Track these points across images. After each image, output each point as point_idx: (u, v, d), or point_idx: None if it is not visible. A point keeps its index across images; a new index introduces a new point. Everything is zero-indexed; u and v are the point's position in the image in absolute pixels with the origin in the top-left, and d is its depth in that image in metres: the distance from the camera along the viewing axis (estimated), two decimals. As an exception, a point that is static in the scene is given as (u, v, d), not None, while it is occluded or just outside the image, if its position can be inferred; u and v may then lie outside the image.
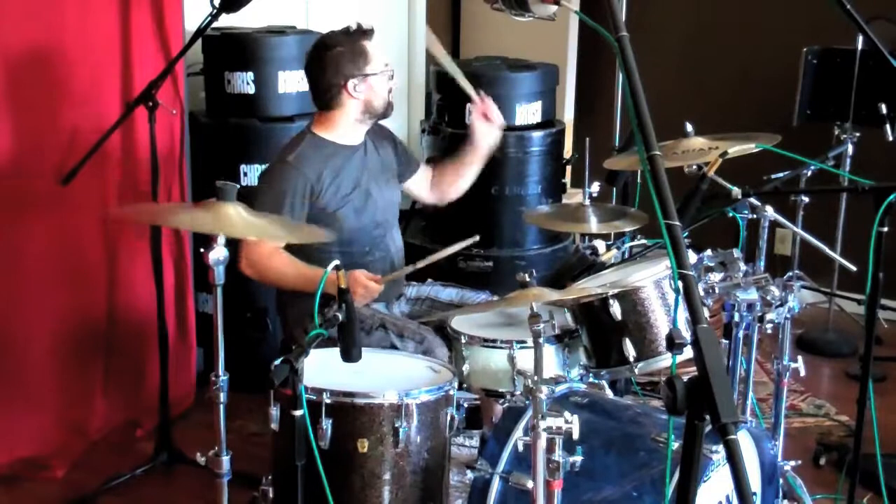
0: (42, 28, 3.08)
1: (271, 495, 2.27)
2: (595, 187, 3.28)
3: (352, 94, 2.88)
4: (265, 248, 2.79)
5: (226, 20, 3.24)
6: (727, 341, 2.55)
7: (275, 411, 2.23)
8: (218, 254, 2.07)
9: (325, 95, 2.91)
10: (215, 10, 3.13)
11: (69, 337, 3.29)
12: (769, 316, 2.48)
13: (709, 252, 2.51)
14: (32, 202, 3.14)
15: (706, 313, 1.93)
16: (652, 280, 2.53)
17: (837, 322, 4.37)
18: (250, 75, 3.73)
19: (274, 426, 2.25)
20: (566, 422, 1.95)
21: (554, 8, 1.95)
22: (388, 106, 2.97)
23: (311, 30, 4.04)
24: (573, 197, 4.19)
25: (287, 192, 2.82)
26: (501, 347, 2.66)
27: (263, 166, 3.72)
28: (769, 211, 2.55)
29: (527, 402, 2.25)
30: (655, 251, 2.95)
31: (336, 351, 2.18)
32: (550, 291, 2.32)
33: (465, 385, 2.65)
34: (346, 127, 2.94)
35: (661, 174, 1.36)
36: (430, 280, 3.17)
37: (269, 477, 2.30)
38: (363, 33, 2.92)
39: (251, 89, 3.75)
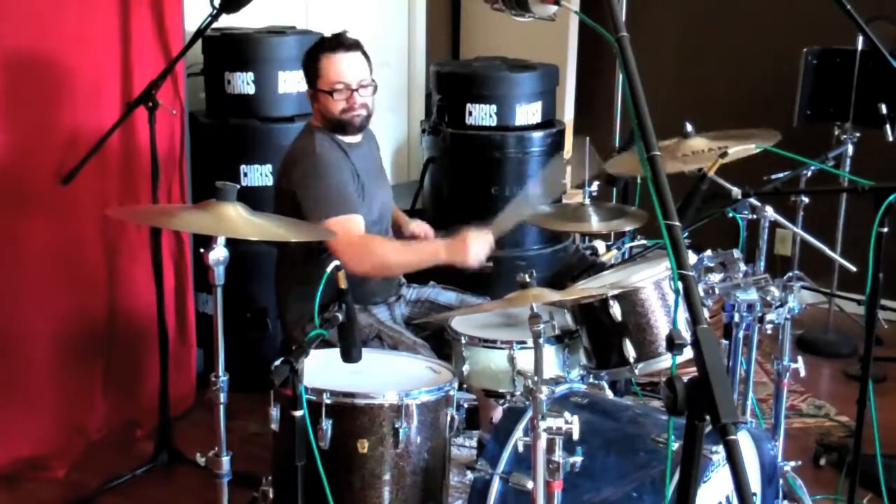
0: (42, 28, 3.07)
1: (271, 496, 2.27)
2: (595, 187, 3.29)
3: (311, 103, 2.94)
4: (354, 238, 2.75)
5: (226, 20, 3.24)
6: (727, 342, 2.55)
7: (275, 411, 2.24)
8: (218, 254, 2.08)
9: None
10: (215, 11, 3.13)
11: (69, 337, 3.29)
12: (769, 316, 2.48)
13: (709, 252, 2.51)
14: (32, 202, 3.14)
15: (706, 314, 1.93)
16: (652, 281, 2.53)
17: (837, 322, 4.37)
18: (250, 75, 3.73)
19: (274, 426, 2.26)
20: (566, 422, 1.95)
21: (554, 8, 1.94)
22: (344, 123, 2.89)
23: (311, 30, 4.05)
24: (573, 197, 4.19)
25: (340, 181, 2.82)
26: (501, 348, 2.66)
27: (264, 166, 3.73)
28: (769, 211, 2.55)
29: (527, 402, 2.25)
30: (655, 251, 2.95)
31: (336, 351, 2.19)
32: (550, 292, 2.32)
33: (465, 385, 2.65)
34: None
35: (661, 174, 1.36)
36: (431, 282, 3.17)
37: (269, 477, 2.30)
38: (331, 46, 2.88)
39: (251, 89, 3.75)
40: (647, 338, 2.51)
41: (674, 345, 1.33)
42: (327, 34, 2.97)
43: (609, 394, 2.69)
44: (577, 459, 1.99)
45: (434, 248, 2.90)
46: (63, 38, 3.14)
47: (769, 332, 2.58)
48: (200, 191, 3.65)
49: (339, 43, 2.89)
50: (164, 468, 3.19)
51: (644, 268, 2.71)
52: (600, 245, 3.28)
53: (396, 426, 2.22)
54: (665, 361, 2.51)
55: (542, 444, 1.96)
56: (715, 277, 2.45)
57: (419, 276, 3.07)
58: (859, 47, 3.97)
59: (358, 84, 2.87)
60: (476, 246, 2.74)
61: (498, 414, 2.52)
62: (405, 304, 3.10)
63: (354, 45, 2.90)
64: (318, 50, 2.90)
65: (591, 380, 2.63)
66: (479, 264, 2.76)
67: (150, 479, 3.15)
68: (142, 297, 3.39)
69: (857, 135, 3.90)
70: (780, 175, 3.03)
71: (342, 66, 2.86)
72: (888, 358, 3.99)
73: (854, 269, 2.58)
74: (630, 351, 2.51)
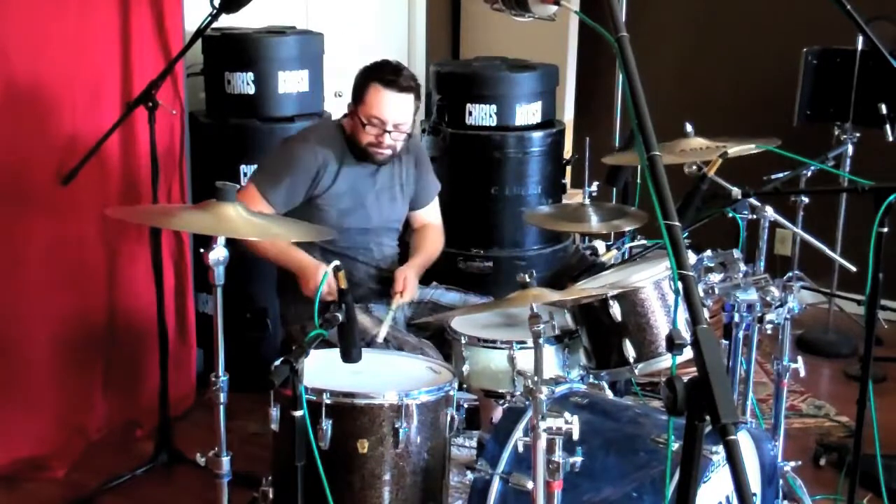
0: (42, 28, 3.07)
1: (271, 496, 2.27)
2: (595, 187, 3.29)
3: (348, 112, 2.93)
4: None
5: (226, 20, 3.24)
6: (727, 342, 2.55)
7: (275, 412, 2.24)
8: (218, 254, 2.07)
9: None
10: (215, 11, 3.14)
11: (69, 337, 3.29)
12: (769, 316, 2.48)
13: (709, 252, 2.51)
14: (32, 202, 3.14)
15: (706, 314, 1.93)
16: (652, 281, 2.53)
17: (837, 322, 4.37)
18: (250, 75, 3.73)
19: (274, 426, 2.26)
20: (566, 422, 1.95)
21: (554, 8, 1.94)
22: (365, 154, 2.89)
23: (311, 30, 4.04)
24: (573, 197, 4.19)
25: (292, 172, 2.83)
26: (501, 348, 2.65)
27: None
28: (769, 211, 2.55)
29: (527, 402, 2.25)
30: (655, 252, 2.95)
31: (336, 351, 2.19)
32: (550, 292, 2.32)
33: (465, 386, 2.64)
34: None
35: (660, 174, 1.36)
36: (434, 283, 3.16)
37: (269, 477, 2.30)
38: (386, 81, 2.81)
39: (251, 89, 3.75)
40: (647, 338, 2.51)
41: (674, 345, 1.33)
42: (390, 61, 2.88)
43: (609, 394, 2.69)
44: (577, 459, 1.99)
45: (296, 260, 2.84)
46: (63, 37, 3.13)
47: (769, 332, 2.58)
48: (200, 191, 3.65)
49: (394, 81, 2.81)
50: (164, 468, 3.18)
51: (644, 268, 2.71)
52: (600, 245, 3.28)
53: (396, 426, 2.22)
54: (665, 361, 2.51)
55: (542, 444, 1.96)
56: (715, 277, 2.45)
57: (422, 278, 3.06)
58: (859, 47, 3.97)
59: (394, 126, 2.84)
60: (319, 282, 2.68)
61: (498, 414, 2.52)
62: (408, 305, 3.09)
63: (409, 88, 2.83)
64: (373, 76, 2.84)
65: (591, 380, 2.63)
66: (311, 294, 2.70)
67: (150, 479, 3.15)
68: (142, 297, 3.39)
69: (857, 135, 3.91)
70: (780, 175, 3.03)
71: (386, 105, 2.81)
72: (888, 358, 3.99)
73: (854, 269, 2.58)
74: (630, 351, 2.51)
